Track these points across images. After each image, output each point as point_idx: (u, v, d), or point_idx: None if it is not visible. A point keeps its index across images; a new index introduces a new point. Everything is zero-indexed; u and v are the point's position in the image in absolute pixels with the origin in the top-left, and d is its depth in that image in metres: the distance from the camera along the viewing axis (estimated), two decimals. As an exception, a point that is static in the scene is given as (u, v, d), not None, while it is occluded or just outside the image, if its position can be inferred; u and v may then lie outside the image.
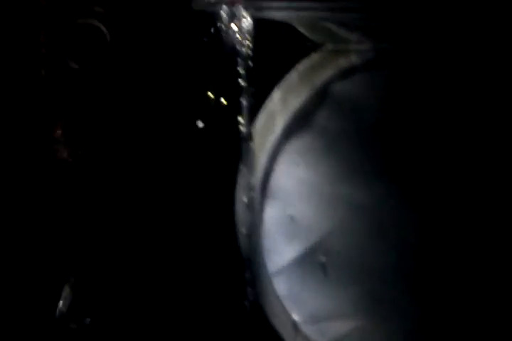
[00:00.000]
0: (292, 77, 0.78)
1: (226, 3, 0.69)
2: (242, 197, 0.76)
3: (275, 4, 0.71)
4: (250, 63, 0.73)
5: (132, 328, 0.73)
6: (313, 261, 0.77)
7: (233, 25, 0.71)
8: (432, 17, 0.73)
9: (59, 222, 0.73)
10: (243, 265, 0.75)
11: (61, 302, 0.68)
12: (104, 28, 0.67)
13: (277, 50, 0.76)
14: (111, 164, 0.74)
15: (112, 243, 0.74)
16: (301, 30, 0.76)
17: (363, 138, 0.76)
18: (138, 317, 0.74)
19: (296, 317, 0.76)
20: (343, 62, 0.77)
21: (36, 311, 0.74)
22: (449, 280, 0.73)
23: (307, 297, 0.77)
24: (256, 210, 0.76)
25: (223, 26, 0.71)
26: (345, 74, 0.77)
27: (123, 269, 0.74)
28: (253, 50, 0.73)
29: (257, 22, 0.73)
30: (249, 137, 0.74)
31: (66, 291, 0.68)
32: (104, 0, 0.68)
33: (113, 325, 0.73)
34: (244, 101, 0.74)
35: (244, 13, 0.70)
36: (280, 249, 0.77)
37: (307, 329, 0.77)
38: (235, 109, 0.75)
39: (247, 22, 0.71)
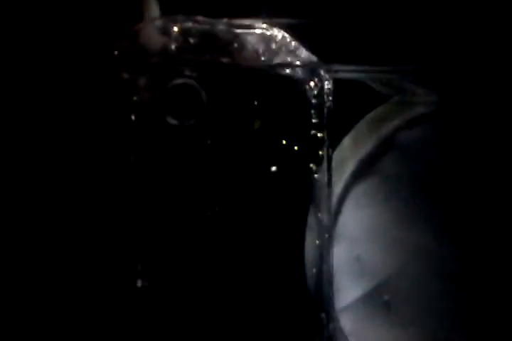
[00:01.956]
0: (361, 126, 0.83)
1: (307, 67, 0.74)
2: (311, 238, 0.81)
3: (352, 68, 0.77)
4: (325, 115, 0.78)
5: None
6: (378, 299, 0.82)
7: (311, 83, 0.76)
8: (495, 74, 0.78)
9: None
10: (311, 304, 0.80)
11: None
12: (199, 88, 0.71)
13: (349, 102, 0.81)
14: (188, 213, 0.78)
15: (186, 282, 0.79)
16: (372, 85, 0.81)
17: (426, 184, 0.82)
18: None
19: (360, 353, 0.82)
20: (408, 113, 0.82)
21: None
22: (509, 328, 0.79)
23: (371, 335, 0.82)
24: (325, 250, 0.81)
25: (302, 84, 0.76)
26: (410, 124, 0.82)
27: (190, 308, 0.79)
28: (328, 103, 0.78)
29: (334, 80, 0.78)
30: (329, 183, 0.79)
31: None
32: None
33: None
34: (319, 150, 0.79)
35: (324, 74, 0.76)
36: (346, 288, 0.82)
37: (371, 366, 0.82)
38: (308, 156, 0.80)
39: (325, 81, 0.76)
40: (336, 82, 0.79)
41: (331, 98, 0.77)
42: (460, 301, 0.80)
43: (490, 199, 0.81)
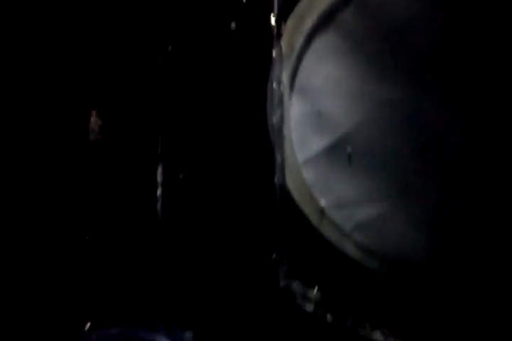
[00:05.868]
0: (321, -21, 0.82)
1: None
2: (272, 92, 0.82)
3: None
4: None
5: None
6: (341, 151, 0.82)
7: None
8: None
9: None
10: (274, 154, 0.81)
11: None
12: None
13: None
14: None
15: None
16: None
17: (390, 37, 0.81)
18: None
19: (323, 203, 0.83)
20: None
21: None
22: (474, 171, 0.79)
23: (334, 184, 0.82)
24: (285, 105, 0.82)
25: None
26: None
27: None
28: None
29: None
30: (278, 36, 0.79)
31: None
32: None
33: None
34: (275, 3, 0.79)
35: None
36: (308, 141, 0.83)
37: (333, 215, 0.83)
38: (267, 10, 0.80)
39: None
40: None
41: None
42: (424, 146, 0.80)
43: (457, 54, 0.80)
